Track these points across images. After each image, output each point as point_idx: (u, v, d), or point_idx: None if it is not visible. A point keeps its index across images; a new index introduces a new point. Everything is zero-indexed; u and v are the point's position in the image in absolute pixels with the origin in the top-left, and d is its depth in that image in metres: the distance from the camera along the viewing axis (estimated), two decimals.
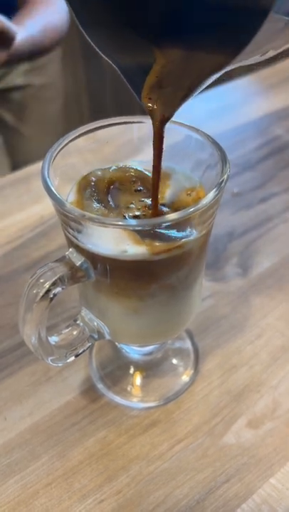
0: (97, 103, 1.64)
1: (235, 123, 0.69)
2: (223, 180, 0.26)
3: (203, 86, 0.23)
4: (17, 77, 0.93)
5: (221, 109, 0.72)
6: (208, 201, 0.26)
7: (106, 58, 0.24)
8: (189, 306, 0.33)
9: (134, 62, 0.23)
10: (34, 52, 0.81)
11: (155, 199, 0.29)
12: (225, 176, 0.27)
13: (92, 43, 0.23)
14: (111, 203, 0.30)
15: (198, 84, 0.23)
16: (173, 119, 0.32)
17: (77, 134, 0.31)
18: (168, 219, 0.26)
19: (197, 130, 0.31)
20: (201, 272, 0.33)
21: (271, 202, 0.56)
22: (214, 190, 0.26)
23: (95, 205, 0.30)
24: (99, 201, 0.30)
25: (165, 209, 0.30)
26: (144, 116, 0.34)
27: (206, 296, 0.46)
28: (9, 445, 0.37)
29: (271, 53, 0.22)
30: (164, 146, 0.33)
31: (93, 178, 0.31)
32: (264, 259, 0.49)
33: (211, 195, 0.26)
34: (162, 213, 0.29)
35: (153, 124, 0.26)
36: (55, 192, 0.26)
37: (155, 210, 0.29)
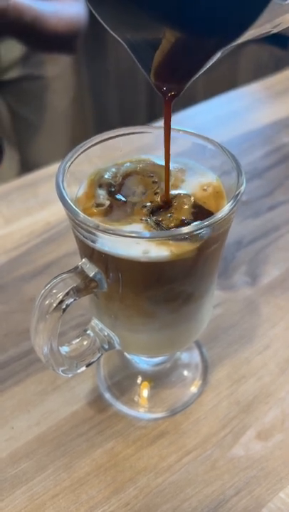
0: (100, 106, 1.64)
1: (242, 130, 0.68)
2: (239, 193, 0.26)
3: (211, 61, 0.23)
4: (29, 68, 0.94)
5: (228, 117, 0.72)
6: (225, 214, 0.25)
7: (115, 35, 0.24)
8: (200, 317, 0.33)
9: (143, 39, 0.23)
10: (37, 28, 0.78)
11: (167, 181, 0.29)
12: (241, 188, 0.27)
13: (101, 21, 0.23)
14: (123, 196, 0.30)
15: (206, 59, 0.23)
16: (185, 128, 0.32)
17: (90, 144, 0.30)
18: (182, 232, 0.25)
19: (211, 140, 0.31)
20: (212, 282, 0.33)
21: (279, 210, 0.56)
22: (231, 202, 0.26)
23: (105, 198, 0.29)
24: (111, 194, 0.30)
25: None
26: (150, 126, 0.33)
27: (215, 305, 0.46)
28: (16, 455, 0.36)
29: (284, 25, 0.22)
30: (178, 150, 0.33)
31: (106, 172, 0.31)
32: (273, 268, 0.49)
33: (227, 208, 0.26)
34: (170, 201, 0.29)
35: (163, 100, 0.26)
36: (70, 203, 0.26)
37: (167, 195, 0.29)
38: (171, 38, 0.21)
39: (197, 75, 0.24)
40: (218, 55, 0.23)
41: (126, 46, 0.24)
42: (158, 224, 0.28)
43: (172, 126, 0.33)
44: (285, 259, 0.50)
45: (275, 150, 0.65)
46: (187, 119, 0.71)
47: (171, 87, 0.25)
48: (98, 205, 0.29)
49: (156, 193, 0.30)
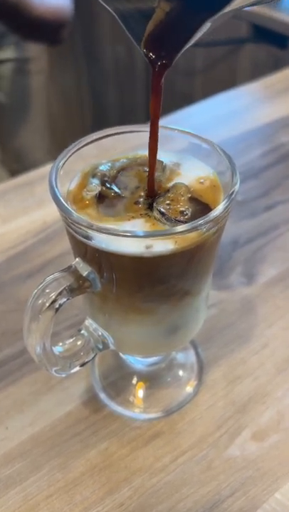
0: (99, 106, 1.64)
1: (240, 130, 0.68)
2: (233, 192, 0.26)
3: (203, 30, 0.23)
4: (5, 50, 0.93)
5: (227, 116, 0.72)
6: (219, 213, 0.25)
7: (106, 6, 0.24)
8: (196, 317, 0.33)
9: (136, 8, 0.23)
10: (21, 12, 0.77)
11: (152, 169, 0.28)
12: (235, 187, 0.26)
13: None
14: (117, 188, 0.30)
15: (198, 27, 0.22)
16: (182, 128, 0.32)
17: (85, 143, 0.30)
18: (177, 230, 0.25)
19: (206, 140, 0.31)
20: (207, 281, 0.33)
21: (276, 210, 0.56)
22: (225, 201, 0.26)
23: (97, 185, 0.29)
24: (104, 183, 0.29)
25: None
26: (147, 125, 0.33)
27: (211, 305, 0.45)
28: (10, 455, 0.36)
29: None
30: (173, 149, 0.32)
31: (101, 165, 0.31)
32: (269, 267, 0.49)
33: (221, 207, 0.25)
34: (157, 191, 0.29)
35: (152, 72, 0.26)
36: (63, 202, 0.26)
37: (151, 186, 0.29)
38: (163, 6, 0.21)
39: (188, 45, 0.24)
40: (209, 23, 0.22)
41: (117, 17, 0.24)
42: (163, 214, 0.27)
43: (170, 125, 0.32)
44: (283, 259, 0.50)
45: (273, 149, 0.65)
46: (186, 119, 0.71)
47: (162, 56, 0.25)
48: (89, 190, 0.28)
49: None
